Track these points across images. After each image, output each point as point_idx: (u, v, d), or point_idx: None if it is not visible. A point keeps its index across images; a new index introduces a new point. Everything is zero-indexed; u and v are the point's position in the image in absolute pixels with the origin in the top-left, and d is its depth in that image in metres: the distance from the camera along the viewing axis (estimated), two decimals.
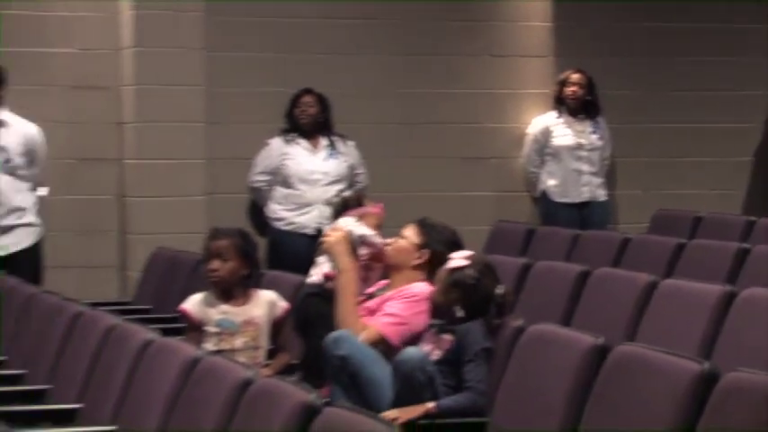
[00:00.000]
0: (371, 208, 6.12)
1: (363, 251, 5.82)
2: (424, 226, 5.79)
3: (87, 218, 9.22)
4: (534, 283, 6.92)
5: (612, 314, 6.15)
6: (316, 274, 5.90)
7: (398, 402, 5.05)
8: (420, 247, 5.71)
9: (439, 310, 5.36)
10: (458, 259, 5.38)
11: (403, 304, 5.56)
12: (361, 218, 6.01)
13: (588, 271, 6.67)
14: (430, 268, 5.64)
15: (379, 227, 6.02)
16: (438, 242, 5.72)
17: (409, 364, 5.07)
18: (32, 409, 5.14)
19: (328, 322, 5.67)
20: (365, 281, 5.90)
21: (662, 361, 4.24)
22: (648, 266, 6.97)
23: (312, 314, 5.98)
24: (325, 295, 5.85)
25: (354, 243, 5.78)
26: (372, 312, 5.63)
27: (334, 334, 5.39)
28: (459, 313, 5.23)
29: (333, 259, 5.74)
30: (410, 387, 5.01)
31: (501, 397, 4.99)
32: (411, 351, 5.17)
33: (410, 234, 5.75)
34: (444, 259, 5.48)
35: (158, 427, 4.53)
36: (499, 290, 5.30)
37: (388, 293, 5.70)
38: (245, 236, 5.98)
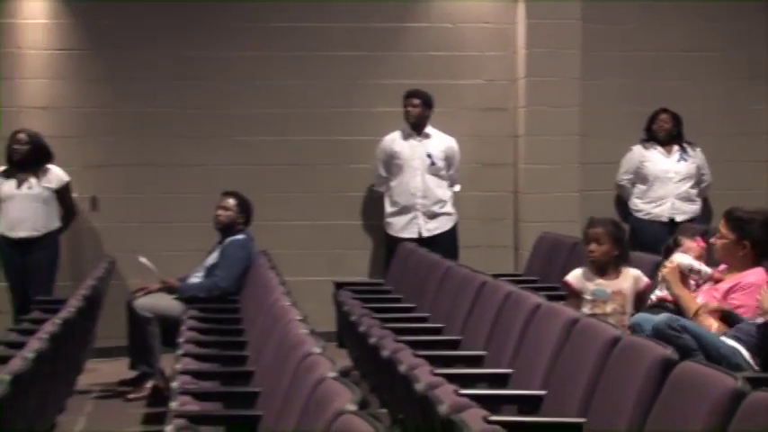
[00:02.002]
0: (693, 243, 5.87)
1: (693, 278, 5.61)
2: (732, 219, 5.36)
3: (490, 209, 9.33)
4: None
5: None
6: (655, 296, 5.71)
7: None
8: (738, 240, 5.32)
9: None
10: None
11: (744, 296, 5.17)
12: (687, 251, 5.78)
13: None
14: (758, 252, 5.29)
15: (701, 257, 5.75)
16: (753, 230, 5.30)
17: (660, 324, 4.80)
18: (469, 372, 5.19)
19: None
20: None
21: None
22: None
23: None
24: (662, 306, 5.62)
25: (684, 272, 5.58)
26: (723, 296, 5.27)
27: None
28: None
29: (668, 287, 5.56)
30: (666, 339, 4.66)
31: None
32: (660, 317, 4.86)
33: (724, 231, 5.36)
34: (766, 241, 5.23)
35: (546, 370, 4.57)
36: None
37: (729, 283, 5.32)
38: (616, 224, 5.98)
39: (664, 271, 5.59)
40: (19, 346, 5.23)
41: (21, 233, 8.25)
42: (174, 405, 4.39)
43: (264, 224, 8.33)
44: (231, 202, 7.78)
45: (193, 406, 4.50)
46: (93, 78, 8.98)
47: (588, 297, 5.70)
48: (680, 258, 5.61)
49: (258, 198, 8.10)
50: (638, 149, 9.18)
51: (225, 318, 6.83)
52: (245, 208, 7.80)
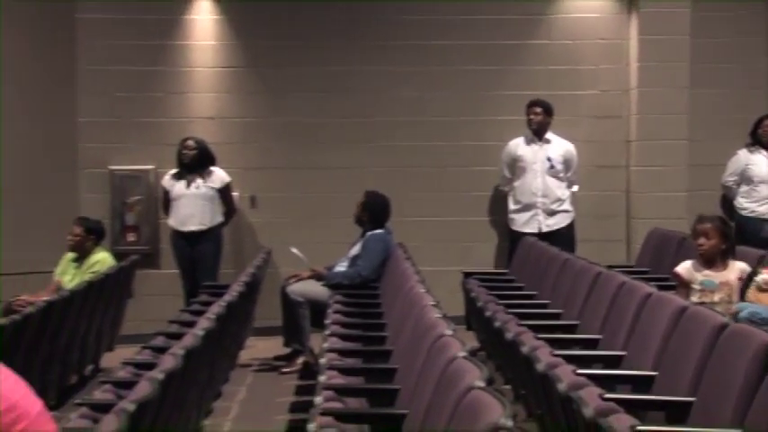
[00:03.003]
0: None
1: None
2: None
3: (604, 207, 9.18)
4: None
5: None
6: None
7: None
8: None
9: None
10: None
11: None
12: None
13: None
14: None
15: None
16: None
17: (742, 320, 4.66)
18: (585, 354, 5.11)
19: None
20: None
21: None
22: None
23: None
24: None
25: None
26: None
27: None
28: None
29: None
30: None
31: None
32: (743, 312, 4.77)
33: None
34: None
35: (656, 353, 4.47)
36: None
37: None
38: (724, 220, 5.84)
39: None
40: (190, 324, 5.34)
41: (190, 227, 8.41)
42: (322, 378, 4.42)
43: (401, 220, 8.34)
44: (363, 201, 7.84)
45: (339, 380, 4.53)
46: (252, 92, 9.11)
47: (697, 287, 5.57)
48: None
49: (396, 197, 8.11)
50: (743, 153, 8.94)
51: (366, 302, 6.85)
52: (369, 207, 7.80)
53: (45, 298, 6.44)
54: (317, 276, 7.54)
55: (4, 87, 8.65)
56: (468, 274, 7.72)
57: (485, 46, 9.11)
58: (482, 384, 2.82)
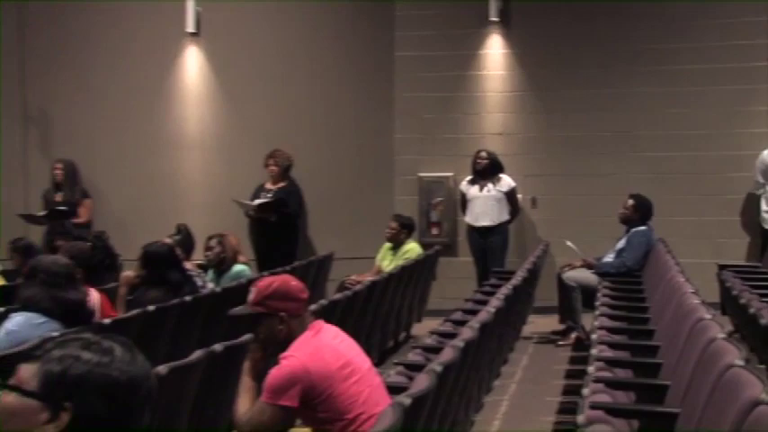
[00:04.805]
0: None
1: None
2: None
3: None
4: None
5: None
6: None
7: None
8: None
9: None
10: None
11: None
12: None
13: None
14: None
15: None
16: None
17: None
18: None
19: None
20: None
21: None
22: None
23: None
24: None
25: None
26: None
27: None
28: None
29: None
30: None
31: None
32: None
33: None
34: None
35: None
36: None
37: None
38: None
39: None
40: (483, 303, 5.36)
41: (482, 223, 8.46)
42: (593, 352, 4.30)
43: (662, 219, 7.96)
44: (630, 202, 7.55)
45: (608, 353, 4.39)
46: (532, 112, 9.04)
47: None
48: None
49: (658, 199, 7.76)
50: None
51: (631, 288, 6.60)
52: (639, 207, 7.49)
53: (369, 278, 6.69)
54: (588, 265, 7.35)
55: (338, 111, 9.09)
56: (722, 267, 7.27)
57: (739, 68, 8.55)
58: (742, 363, 2.64)
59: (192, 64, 9.17)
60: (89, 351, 1.37)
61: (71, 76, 9.15)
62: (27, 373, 1.35)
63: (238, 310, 3.19)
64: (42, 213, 8.58)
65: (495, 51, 9.08)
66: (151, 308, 4.78)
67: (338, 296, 5.56)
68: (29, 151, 9.27)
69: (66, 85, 9.18)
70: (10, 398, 1.34)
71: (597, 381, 3.70)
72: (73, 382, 1.34)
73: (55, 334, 3.80)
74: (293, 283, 3.18)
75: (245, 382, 3.11)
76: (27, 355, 1.40)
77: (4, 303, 4.77)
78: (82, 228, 8.37)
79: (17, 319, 4.06)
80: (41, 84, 9.19)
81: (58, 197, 8.81)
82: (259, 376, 3.12)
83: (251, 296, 3.15)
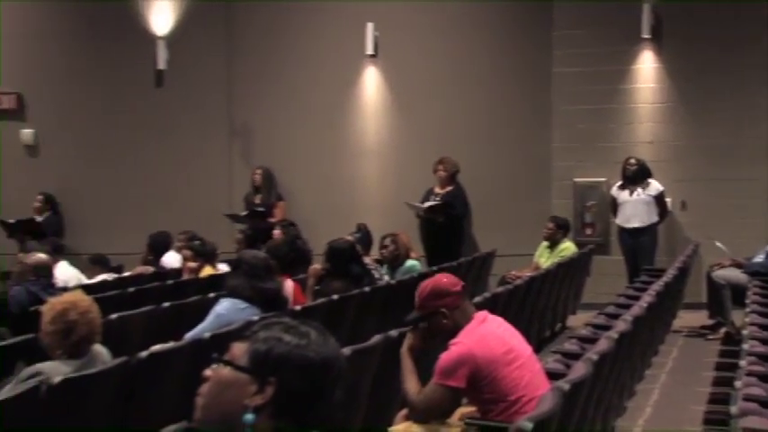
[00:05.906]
0: None
1: None
2: None
3: None
4: None
5: None
6: None
7: None
8: None
9: None
10: None
11: None
12: None
13: None
14: None
15: None
16: None
17: None
18: None
19: None
20: None
21: None
22: None
23: None
24: None
25: None
26: None
27: None
28: None
29: None
30: None
31: None
32: None
33: None
34: None
35: None
36: None
37: None
38: None
39: None
40: (634, 298, 5.16)
41: (633, 224, 8.14)
42: (745, 347, 4.02)
43: None
44: None
45: (759, 348, 4.09)
46: (680, 122, 8.62)
47: None
48: None
49: None
50: None
51: None
52: None
53: (528, 274, 6.57)
54: (737, 265, 6.90)
55: (501, 123, 9.02)
56: None
57: None
58: None
59: (371, 82, 9.37)
60: (289, 334, 1.41)
61: (270, 96, 9.54)
62: (239, 350, 1.40)
63: (410, 317, 3.25)
64: (244, 213, 8.97)
65: (646, 66, 8.71)
66: (335, 297, 4.88)
67: (500, 290, 5.50)
68: (232, 159, 9.74)
69: (265, 103, 9.58)
70: (225, 371, 1.39)
71: (750, 374, 3.46)
72: (276, 361, 1.38)
73: (255, 318, 3.96)
74: (444, 280, 3.21)
75: (407, 365, 3.17)
76: (237, 335, 1.45)
77: (214, 290, 5.00)
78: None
79: (225, 304, 4.25)
80: (245, 102, 9.64)
81: (257, 199, 9.18)
82: (416, 360, 3.16)
83: (416, 302, 3.21)
